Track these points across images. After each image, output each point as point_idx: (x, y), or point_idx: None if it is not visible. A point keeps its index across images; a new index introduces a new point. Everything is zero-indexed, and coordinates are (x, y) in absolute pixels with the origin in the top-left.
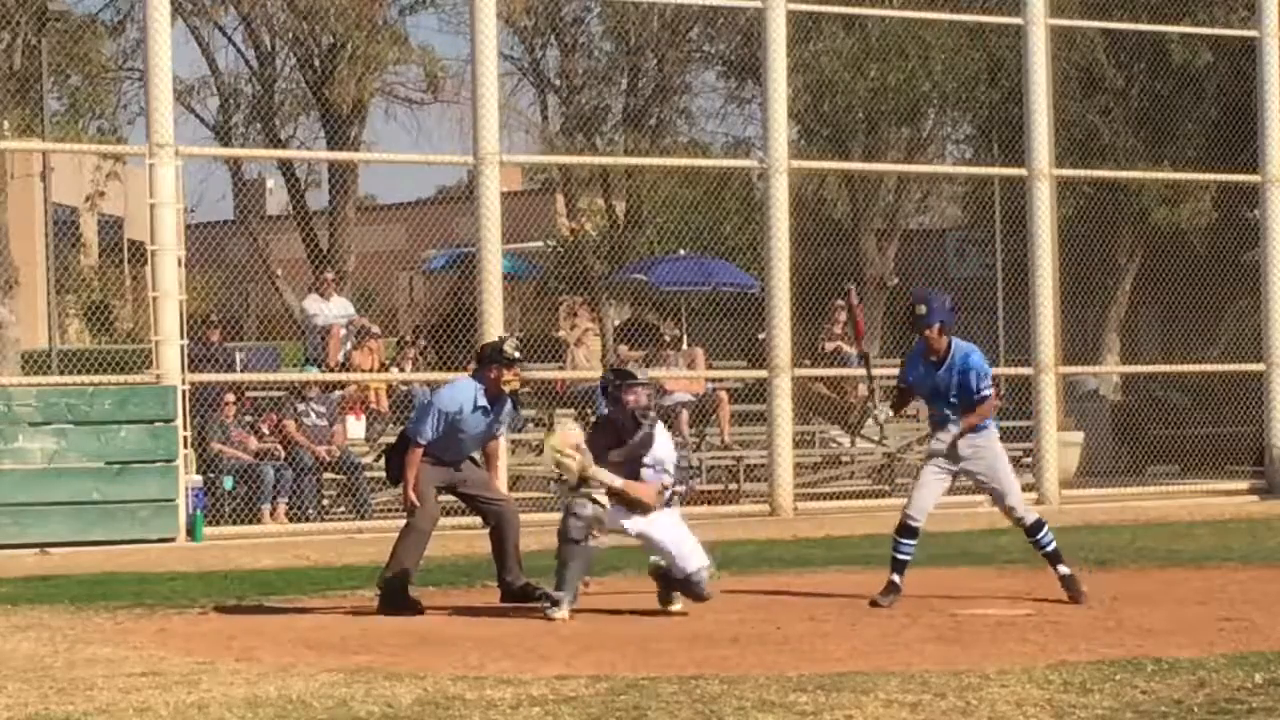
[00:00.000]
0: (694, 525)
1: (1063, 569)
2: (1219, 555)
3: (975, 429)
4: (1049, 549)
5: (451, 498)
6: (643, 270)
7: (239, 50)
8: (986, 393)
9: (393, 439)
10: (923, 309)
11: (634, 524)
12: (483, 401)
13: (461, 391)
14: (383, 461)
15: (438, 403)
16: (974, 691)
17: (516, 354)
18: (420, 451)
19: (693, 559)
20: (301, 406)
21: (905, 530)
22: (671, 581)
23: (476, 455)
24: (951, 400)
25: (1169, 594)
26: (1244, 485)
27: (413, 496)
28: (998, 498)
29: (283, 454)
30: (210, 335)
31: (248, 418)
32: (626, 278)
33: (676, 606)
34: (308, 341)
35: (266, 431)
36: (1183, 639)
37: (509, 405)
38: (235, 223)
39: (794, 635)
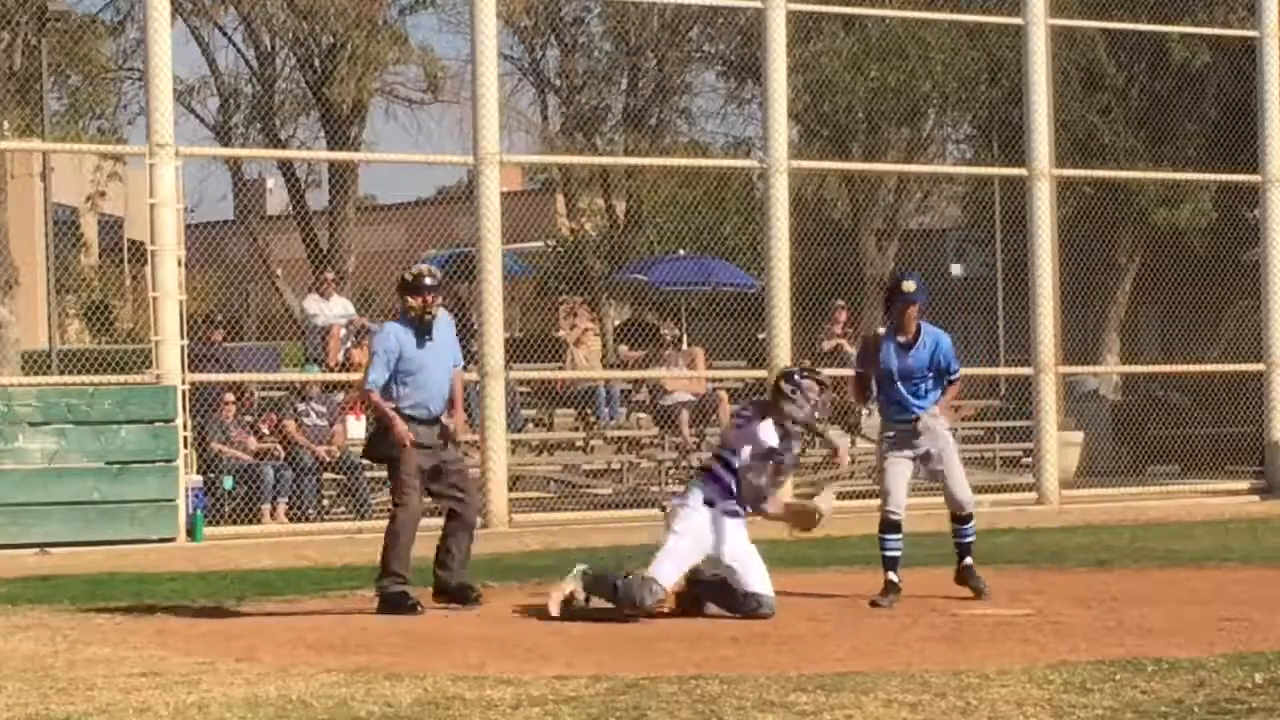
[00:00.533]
0: None
1: (968, 560)
2: (1219, 555)
3: (923, 399)
4: (966, 540)
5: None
6: (642, 270)
7: (239, 50)
8: (959, 373)
9: None
10: (912, 285)
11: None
12: (410, 330)
13: (389, 327)
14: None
15: (375, 346)
16: (974, 691)
17: (426, 280)
18: (378, 396)
19: (757, 579)
20: (302, 406)
21: (889, 526)
22: (713, 593)
23: (450, 424)
24: (922, 382)
25: (1169, 594)
26: (1244, 485)
27: (401, 426)
28: (947, 481)
29: (282, 454)
30: (213, 335)
31: (248, 418)
32: (626, 278)
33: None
34: (308, 341)
35: (266, 431)
36: (1183, 639)
37: (446, 330)
38: (235, 223)
39: (794, 635)
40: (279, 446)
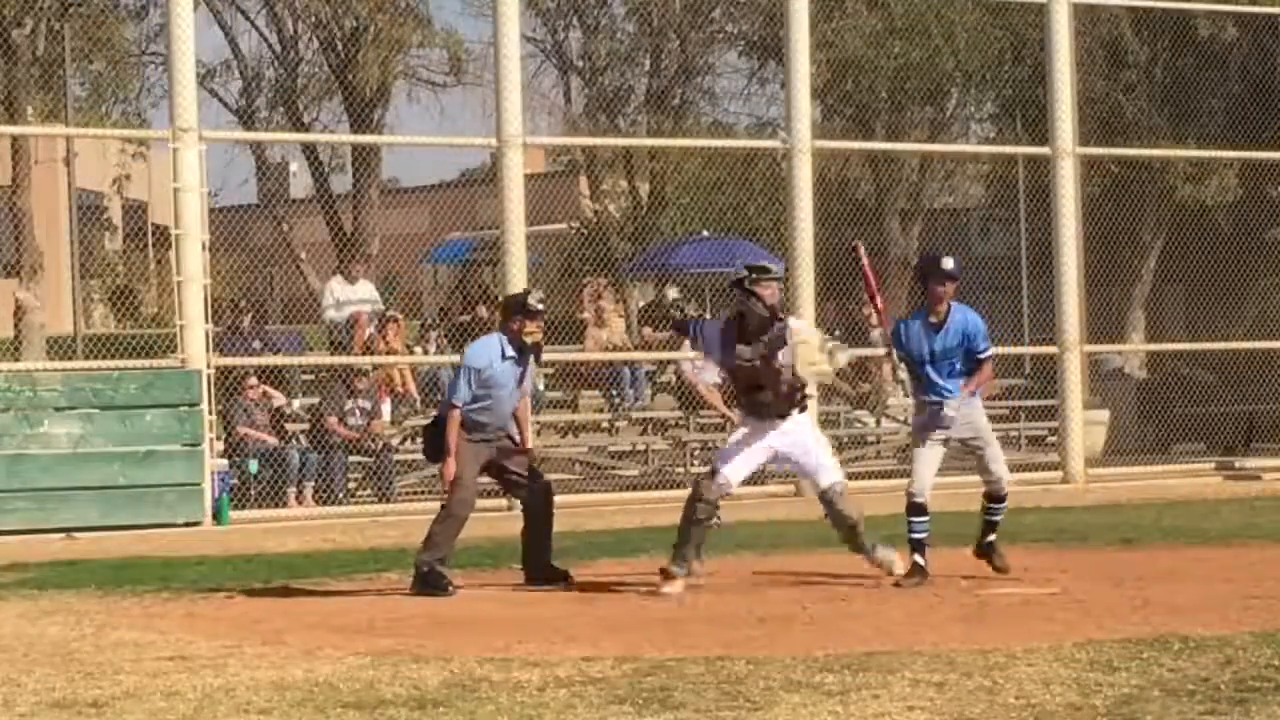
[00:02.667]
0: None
1: (992, 537)
2: (1246, 533)
3: (957, 380)
4: (994, 519)
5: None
6: (666, 252)
7: (262, 34)
8: (989, 352)
9: (420, 420)
10: (951, 263)
11: (781, 440)
12: (511, 352)
13: (488, 345)
14: (414, 443)
15: (468, 360)
16: (1000, 670)
17: (539, 305)
18: (458, 414)
19: (823, 474)
20: (349, 404)
21: (914, 509)
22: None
23: (513, 430)
24: (952, 362)
25: (1195, 572)
26: (1272, 463)
27: (452, 469)
28: (984, 460)
29: (304, 441)
30: (242, 321)
31: (276, 403)
32: (650, 262)
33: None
34: (332, 328)
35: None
36: (1209, 617)
37: (532, 359)
38: (259, 207)
39: (820, 615)
40: (301, 435)
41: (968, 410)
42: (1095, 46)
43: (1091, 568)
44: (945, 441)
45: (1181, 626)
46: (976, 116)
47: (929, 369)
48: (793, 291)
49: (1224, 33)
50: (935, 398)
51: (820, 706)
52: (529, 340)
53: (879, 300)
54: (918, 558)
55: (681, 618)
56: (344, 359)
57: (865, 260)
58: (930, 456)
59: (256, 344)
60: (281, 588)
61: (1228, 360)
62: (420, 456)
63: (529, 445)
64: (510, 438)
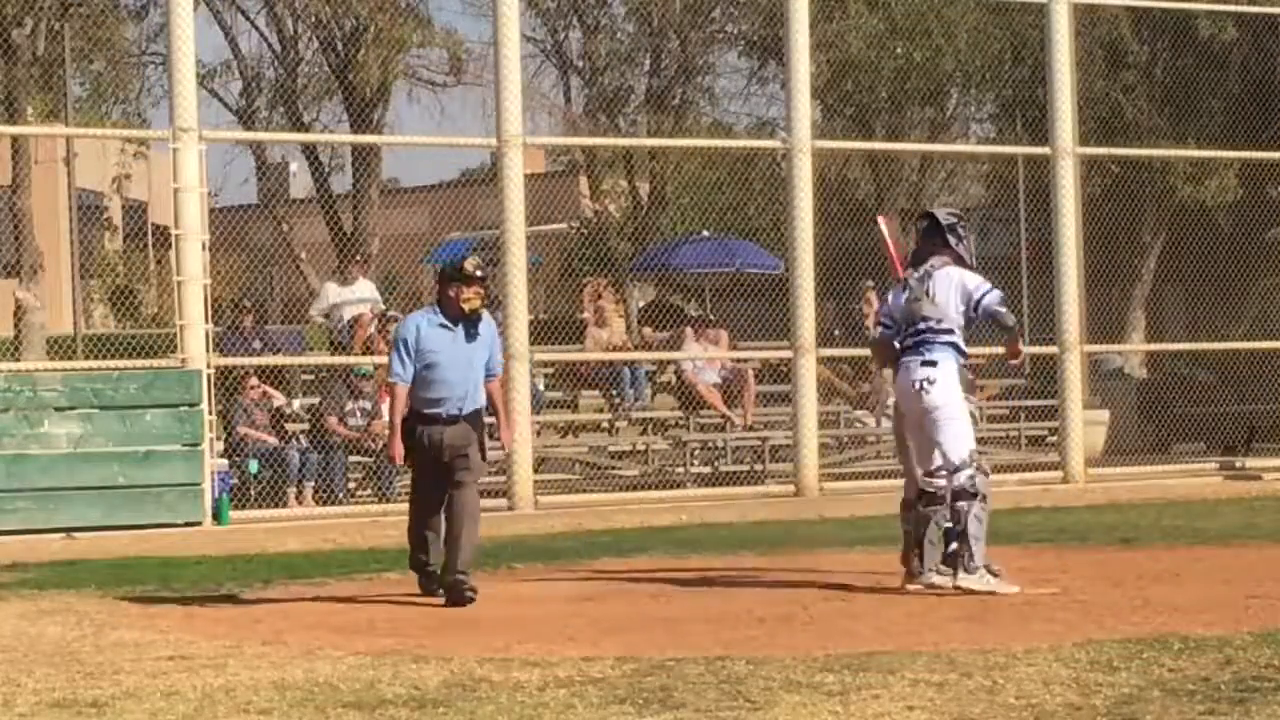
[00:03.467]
0: (720, 506)
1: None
2: (1246, 533)
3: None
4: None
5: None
6: (667, 252)
7: (262, 34)
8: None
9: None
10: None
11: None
12: (442, 320)
13: (414, 316)
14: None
15: (395, 334)
16: (1001, 670)
17: (477, 272)
18: (399, 389)
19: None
20: (350, 405)
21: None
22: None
23: (473, 421)
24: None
25: (1195, 572)
26: (1272, 463)
27: (397, 448)
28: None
29: (304, 441)
30: (244, 321)
31: (276, 403)
32: (653, 260)
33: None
34: (332, 327)
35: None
36: (1209, 617)
37: (487, 329)
38: (259, 207)
39: (820, 615)
40: (301, 435)
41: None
42: (1095, 46)
43: (1091, 568)
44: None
45: (1181, 626)
46: (976, 116)
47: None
48: (793, 291)
49: (1224, 33)
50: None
51: (820, 706)
52: (467, 308)
53: (900, 270)
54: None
55: (681, 618)
56: (344, 359)
57: (890, 233)
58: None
59: (256, 344)
60: (281, 588)
61: (1228, 360)
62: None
63: (511, 431)
64: (479, 423)
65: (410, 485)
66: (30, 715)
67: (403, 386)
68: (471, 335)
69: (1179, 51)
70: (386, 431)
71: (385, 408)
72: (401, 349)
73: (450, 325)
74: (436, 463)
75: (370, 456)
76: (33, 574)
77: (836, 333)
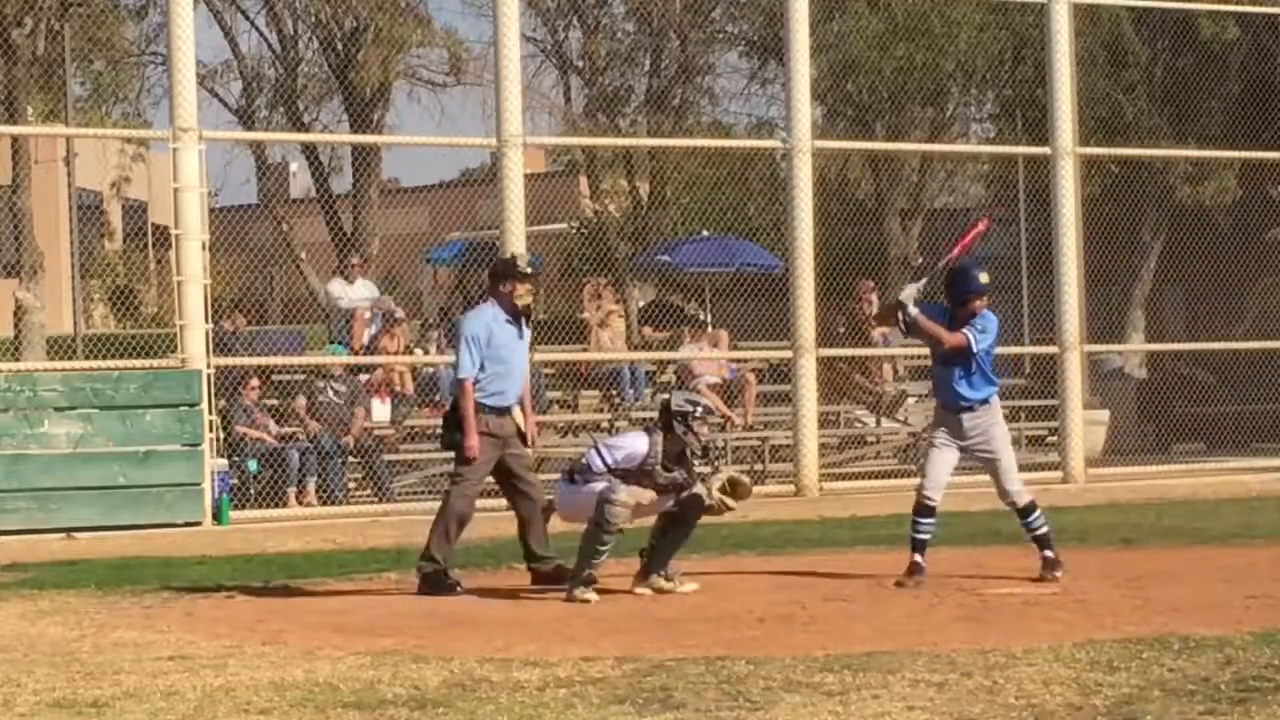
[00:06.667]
0: None
1: (1048, 553)
2: (1246, 533)
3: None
4: (1039, 532)
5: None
6: (667, 251)
7: (262, 34)
8: (969, 342)
9: (417, 421)
10: (987, 277)
11: None
12: (506, 316)
13: (482, 313)
14: (414, 442)
15: (465, 330)
16: (1001, 670)
17: (529, 269)
18: (469, 386)
19: None
20: (320, 384)
21: (923, 510)
22: None
23: (517, 416)
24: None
25: (1195, 572)
26: (1271, 463)
27: (473, 441)
28: (994, 473)
29: (304, 438)
30: (237, 321)
31: (270, 401)
32: (651, 260)
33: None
34: (332, 324)
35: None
36: (1209, 617)
37: (525, 325)
38: (259, 206)
39: (820, 615)
40: (302, 432)
41: (987, 422)
42: (1095, 46)
43: (1091, 568)
44: (963, 449)
45: (1182, 627)
46: (977, 116)
47: (950, 370)
48: (793, 291)
49: (1225, 33)
50: (954, 402)
51: (820, 706)
52: (520, 304)
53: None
54: (917, 557)
55: (681, 618)
56: (344, 359)
57: (976, 231)
58: (944, 458)
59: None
60: (281, 588)
61: (1228, 360)
62: (421, 456)
63: (534, 436)
64: (519, 428)
65: (454, 476)
66: (30, 715)
67: (471, 382)
68: (522, 330)
69: (1180, 51)
70: (364, 425)
71: (385, 407)
72: (473, 345)
73: (512, 320)
74: (496, 452)
75: (359, 456)
76: (33, 574)
77: (840, 331)
